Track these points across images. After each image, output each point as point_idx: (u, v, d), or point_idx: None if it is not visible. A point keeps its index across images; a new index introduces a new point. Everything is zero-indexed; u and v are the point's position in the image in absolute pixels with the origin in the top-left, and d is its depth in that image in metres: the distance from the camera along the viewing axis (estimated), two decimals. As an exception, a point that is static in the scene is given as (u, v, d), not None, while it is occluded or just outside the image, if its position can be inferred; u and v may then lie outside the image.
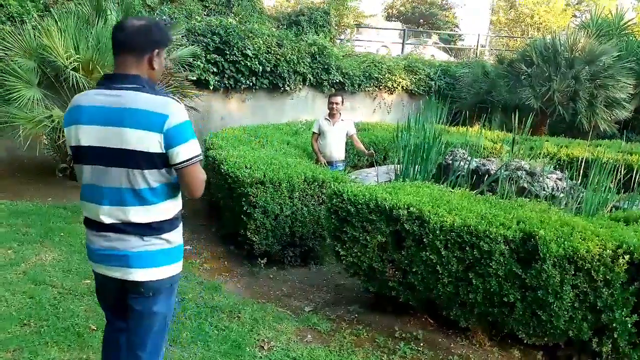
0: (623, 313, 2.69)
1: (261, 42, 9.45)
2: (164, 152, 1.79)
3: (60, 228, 4.76)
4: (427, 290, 3.24)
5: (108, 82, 1.85)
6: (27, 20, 6.31)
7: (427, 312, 3.51)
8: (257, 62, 9.42)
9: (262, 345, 3.13)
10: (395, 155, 6.23)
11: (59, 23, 5.84)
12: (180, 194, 1.98)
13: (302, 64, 10.20)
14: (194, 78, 8.50)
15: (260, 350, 3.07)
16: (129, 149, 1.77)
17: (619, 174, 5.09)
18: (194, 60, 8.52)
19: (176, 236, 1.97)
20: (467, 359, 3.08)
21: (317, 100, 10.76)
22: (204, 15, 10.39)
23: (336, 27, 13.45)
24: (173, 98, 1.85)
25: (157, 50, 1.88)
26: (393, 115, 11.81)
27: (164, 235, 1.90)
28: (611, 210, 4.39)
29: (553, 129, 10.74)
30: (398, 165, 5.54)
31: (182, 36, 8.24)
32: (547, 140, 8.34)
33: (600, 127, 10.05)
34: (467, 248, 2.98)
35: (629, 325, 2.70)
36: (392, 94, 12.18)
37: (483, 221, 2.99)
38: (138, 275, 1.88)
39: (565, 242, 2.73)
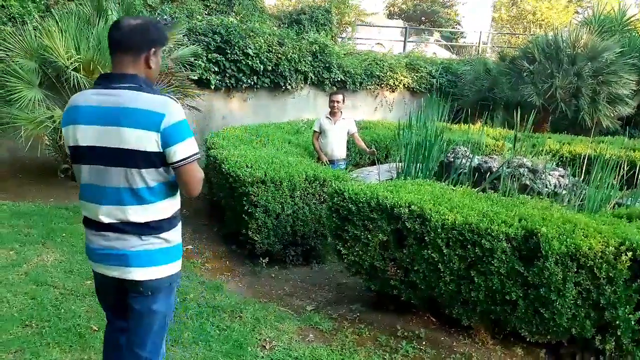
0: (626, 310, 2.67)
1: (262, 41, 9.44)
2: (162, 151, 1.79)
3: (62, 229, 4.76)
4: (429, 289, 3.23)
5: (105, 81, 1.85)
6: (28, 21, 6.31)
7: (429, 311, 3.50)
8: (258, 61, 9.41)
9: (264, 344, 3.12)
10: (397, 154, 6.21)
11: (59, 23, 5.84)
12: (178, 193, 1.98)
13: (304, 62, 10.18)
14: (196, 77, 8.50)
15: (262, 350, 3.07)
16: (126, 149, 1.77)
17: (621, 170, 5.07)
18: (195, 59, 8.51)
19: (175, 235, 1.97)
20: (470, 358, 3.06)
21: (318, 98, 10.74)
22: (205, 14, 10.38)
23: (337, 26, 13.43)
24: (170, 97, 1.84)
25: (153, 49, 1.87)
26: (395, 114, 11.79)
27: (162, 235, 1.90)
28: (614, 207, 4.37)
29: (555, 126, 10.69)
30: (400, 164, 5.53)
31: (183, 36, 8.23)
32: (549, 137, 8.30)
33: (602, 123, 9.99)
34: (469, 246, 2.97)
35: (632, 323, 2.69)
36: (393, 92, 12.16)
37: (485, 219, 2.98)
38: (137, 274, 1.88)
39: (568, 240, 2.71)
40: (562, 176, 5.26)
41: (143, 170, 1.80)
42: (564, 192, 4.91)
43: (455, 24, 32.95)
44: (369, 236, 3.37)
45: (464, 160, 5.56)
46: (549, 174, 5.17)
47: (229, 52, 9.12)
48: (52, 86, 5.88)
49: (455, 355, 3.07)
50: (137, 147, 1.76)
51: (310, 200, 4.58)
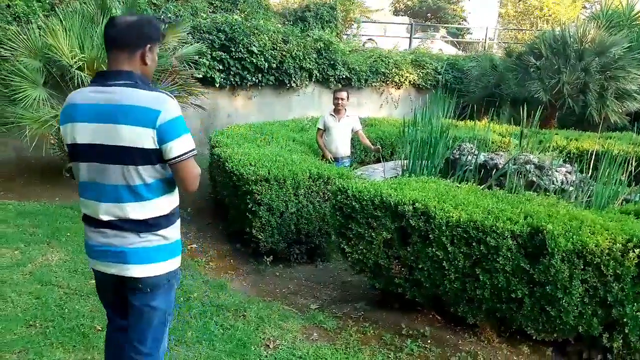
0: (634, 308, 2.63)
1: (267, 38, 9.42)
2: (158, 147, 1.79)
3: (67, 228, 4.77)
4: (433, 287, 3.20)
5: (101, 79, 1.85)
6: (33, 20, 6.33)
7: (434, 309, 3.47)
8: (262, 59, 9.39)
9: (268, 344, 3.10)
10: (402, 151, 6.18)
11: (64, 22, 5.83)
12: (176, 189, 1.98)
13: (308, 59, 10.16)
14: (200, 76, 8.49)
15: (265, 349, 3.05)
16: (123, 146, 1.77)
17: (629, 166, 5.01)
18: (199, 57, 8.50)
19: (173, 232, 1.97)
20: (475, 356, 3.03)
21: (323, 96, 10.72)
22: (210, 12, 10.37)
23: (342, 23, 13.38)
24: (166, 93, 1.84)
25: (149, 46, 1.87)
26: (400, 110, 11.74)
27: (160, 232, 1.90)
28: (622, 203, 4.31)
29: (563, 122, 10.61)
30: (405, 161, 5.50)
31: (188, 34, 8.21)
32: (556, 134, 8.22)
33: (610, 119, 9.89)
34: (474, 243, 2.94)
35: (640, 321, 2.65)
36: (399, 88, 12.11)
37: (490, 216, 2.95)
38: (135, 271, 1.88)
39: (574, 237, 2.68)
40: (569, 172, 5.21)
41: (140, 167, 1.80)
42: (571, 188, 4.86)
43: (461, 20, 32.77)
44: (372, 234, 3.34)
45: (469, 157, 5.52)
46: (556, 171, 5.12)
47: (233, 50, 9.11)
48: (57, 85, 5.88)
49: (461, 354, 3.04)
50: (133, 144, 1.77)
51: (314, 198, 4.56)
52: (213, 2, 11.37)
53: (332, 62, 10.61)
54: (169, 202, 1.93)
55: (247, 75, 9.43)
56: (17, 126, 5.56)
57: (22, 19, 6.64)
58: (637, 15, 12.17)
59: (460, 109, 10.25)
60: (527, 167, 5.12)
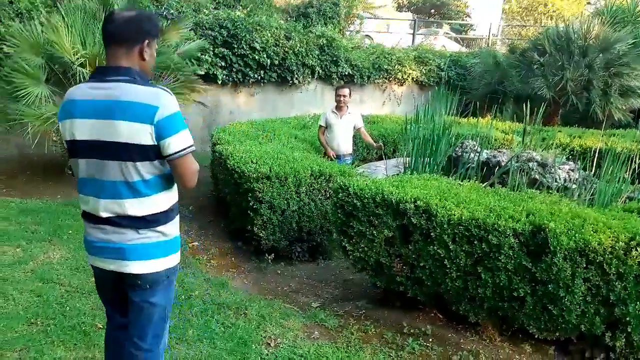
0: (637, 307, 2.62)
1: (269, 34, 9.39)
2: (156, 143, 1.79)
3: (69, 225, 4.77)
4: (435, 285, 3.19)
5: (100, 74, 1.85)
6: (35, 17, 6.32)
7: (436, 307, 3.45)
8: (265, 56, 9.37)
9: (269, 342, 3.10)
10: (404, 148, 6.15)
11: (66, 19, 5.83)
12: (175, 186, 1.98)
13: (311, 56, 10.13)
14: (202, 72, 8.49)
15: (266, 347, 3.05)
16: (121, 142, 1.77)
17: (633, 164, 4.98)
18: (201, 54, 8.49)
19: (172, 228, 1.97)
20: (477, 355, 3.02)
21: (326, 93, 10.69)
22: (212, 9, 10.34)
23: (345, 19, 13.33)
24: (164, 89, 1.83)
25: (147, 41, 1.86)
26: (403, 107, 11.70)
27: (159, 228, 1.90)
28: (625, 201, 4.29)
29: (566, 119, 10.55)
30: (407, 158, 5.47)
31: (190, 30, 8.20)
32: (559, 131, 8.18)
33: (614, 116, 9.83)
34: (476, 242, 2.92)
35: (643, 320, 2.63)
36: (402, 85, 12.06)
37: (492, 214, 2.93)
38: (134, 267, 1.88)
39: (577, 235, 2.66)
40: (572, 170, 5.18)
41: (138, 164, 1.80)
42: (574, 186, 4.83)
43: (464, 16, 32.63)
44: (374, 232, 3.33)
45: (472, 155, 5.49)
46: (559, 168, 5.09)
47: (235, 46, 9.09)
48: (59, 82, 5.88)
49: (463, 352, 3.03)
50: (131, 141, 1.76)
51: (316, 196, 4.55)
52: (216, -2, 11.35)
53: (334, 59, 10.58)
54: (167, 199, 1.93)
55: (250, 72, 9.42)
56: (19, 123, 5.57)
57: (24, 16, 6.63)
58: (641, 11, 12.08)
59: (463, 106, 10.19)
60: (530, 164, 5.09)
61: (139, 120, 1.75)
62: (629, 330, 2.67)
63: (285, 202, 4.43)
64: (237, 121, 7.60)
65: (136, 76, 1.82)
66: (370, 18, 17.64)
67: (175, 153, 1.81)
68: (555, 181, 4.91)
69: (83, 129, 1.81)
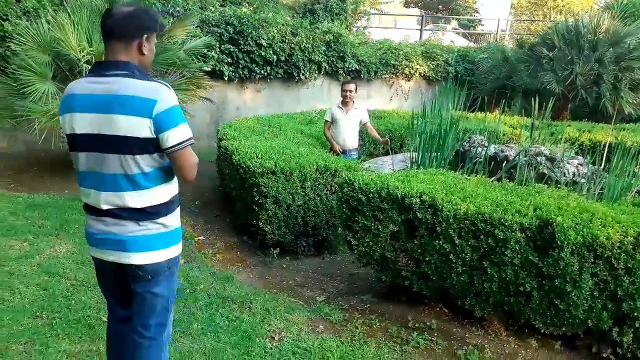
0: (645, 302, 2.58)
1: (275, 31, 9.37)
2: (155, 136, 1.80)
3: (76, 220, 4.79)
4: (440, 280, 3.17)
5: (99, 69, 1.86)
6: (42, 15, 6.35)
7: (442, 302, 3.43)
8: (271, 52, 9.36)
9: (273, 335, 3.09)
10: (411, 143, 6.11)
11: (72, 16, 5.85)
12: (175, 178, 1.99)
13: (317, 52, 10.10)
14: (209, 69, 8.49)
15: (271, 341, 3.04)
16: (120, 135, 1.78)
17: (643, 157, 4.90)
18: (208, 51, 8.49)
19: (173, 220, 1.99)
20: (483, 349, 3.00)
21: (332, 88, 10.66)
22: (219, 6, 10.34)
23: (352, 15, 13.27)
24: (163, 83, 1.84)
25: (146, 36, 1.88)
26: (411, 102, 11.64)
27: (159, 220, 1.92)
28: (635, 195, 4.23)
29: (575, 113, 10.45)
30: (414, 153, 5.44)
31: (196, 27, 8.20)
32: (568, 125, 8.10)
33: (625, 110, 9.72)
34: (482, 236, 2.89)
35: (652, 315, 2.59)
36: (409, 80, 12.00)
37: (498, 208, 2.90)
38: (135, 259, 1.90)
39: (584, 229, 2.62)
40: (581, 164, 5.12)
41: (137, 157, 1.82)
42: (583, 180, 4.78)
43: (473, 11, 32.38)
44: (379, 227, 3.31)
45: (479, 149, 5.45)
46: (568, 163, 5.03)
47: (242, 42, 9.08)
48: (65, 79, 5.90)
49: (468, 347, 3.01)
50: (130, 134, 1.78)
51: (321, 190, 4.54)
52: (222, -5, 11.33)
53: (341, 55, 10.54)
54: (167, 191, 1.95)
55: (256, 68, 9.41)
56: (26, 120, 5.60)
57: (31, 14, 6.66)
58: (652, 5, 11.91)
59: (471, 100, 10.12)
60: (539, 159, 5.04)
61: (138, 114, 1.76)
62: (637, 325, 2.64)
63: (291, 196, 4.43)
64: (243, 117, 7.59)
65: (135, 70, 1.83)
66: (378, 14, 17.57)
67: (174, 146, 1.83)
68: (564, 175, 4.86)
69: (83, 123, 1.83)
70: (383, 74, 11.41)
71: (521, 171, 4.70)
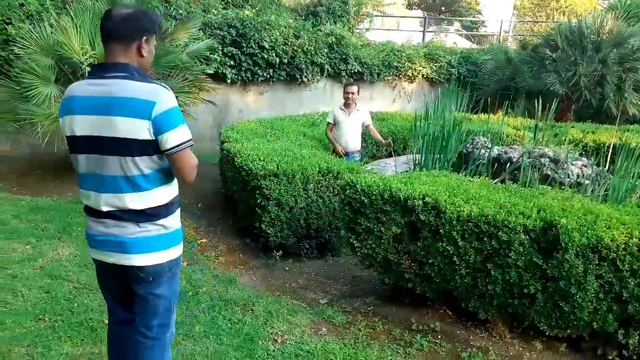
0: (651, 304, 2.55)
1: (278, 33, 9.38)
2: (154, 138, 1.80)
3: (78, 223, 4.79)
4: (444, 282, 3.15)
5: (99, 71, 1.87)
6: (45, 18, 6.37)
7: (445, 304, 3.41)
8: (274, 54, 9.36)
9: (276, 338, 3.08)
10: (414, 145, 6.10)
11: (75, 20, 5.87)
12: (175, 180, 1.99)
13: (320, 54, 10.10)
14: (211, 71, 8.50)
15: (273, 343, 3.03)
16: (119, 137, 1.79)
17: (648, 159, 4.86)
18: (210, 53, 8.51)
19: (173, 221, 1.99)
20: (487, 352, 2.97)
21: (335, 90, 10.65)
22: (221, 9, 10.36)
23: (355, 17, 13.28)
24: (162, 85, 1.84)
25: (145, 38, 1.88)
26: (414, 104, 11.62)
27: (159, 221, 1.92)
28: (640, 197, 4.20)
29: (579, 114, 10.40)
30: (417, 155, 5.42)
31: (199, 30, 8.22)
32: (572, 127, 8.06)
33: (629, 111, 9.68)
34: (485, 238, 2.88)
35: (658, 317, 2.57)
36: (412, 82, 11.99)
37: (502, 210, 2.88)
38: (135, 260, 1.91)
39: (589, 231, 2.61)
40: (586, 166, 5.09)
41: (137, 158, 1.82)
42: (588, 182, 4.75)
43: (475, 13, 32.35)
44: (382, 229, 3.29)
45: (482, 151, 5.42)
46: (572, 164, 5.00)
47: (244, 45, 9.10)
48: (68, 82, 5.88)
49: (472, 349, 2.99)
50: (129, 136, 1.78)
51: (324, 193, 4.53)
52: (225, -2, 11.36)
53: (343, 57, 10.53)
54: (167, 192, 1.95)
55: (259, 70, 9.42)
56: (29, 123, 5.61)
57: (34, 18, 6.68)
58: (656, 6, 11.86)
59: (474, 102, 10.11)
60: (542, 160, 5.01)
61: (137, 115, 1.76)
62: (643, 327, 2.62)
63: (293, 199, 4.42)
64: (245, 119, 7.59)
65: (134, 72, 1.83)
66: (380, 16, 17.57)
67: (173, 148, 1.83)
68: (568, 177, 4.83)
69: (82, 125, 1.83)
70: (386, 75, 11.39)
71: (525, 173, 4.67)
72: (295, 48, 9.65)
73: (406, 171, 4.87)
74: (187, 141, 1.86)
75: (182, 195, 2.08)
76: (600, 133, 7.49)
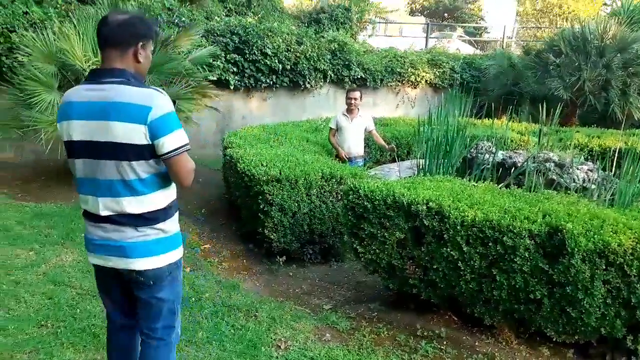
0: (660, 309, 2.52)
1: (280, 40, 9.41)
2: (150, 143, 1.81)
3: (82, 229, 4.70)
4: (449, 287, 3.12)
5: (96, 77, 1.87)
6: (48, 26, 6.39)
7: (451, 310, 3.38)
8: (276, 61, 9.38)
9: (279, 344, 3.05)
10: (418, 150, 6.08)
11: (77, 27, 5.89)
12: (172, 184, 1.99)
13: (323, 60, 10.11)
14: (214, 78, 8.52)
15: (276, 350, 3.00)
16: (116, 142, 1.80)
17: (654, 163, 4.82)
18: (213, 60, 8.53)
19: (171, 225, 1.99)
20: (493, 358, 2.94)
21: (338, 96, 10.66)
22: (224, 16, 10.40)
23: (357, 24, 13.31)
24: (157, 90, 1.85)
25: (141, 43, 1.88)
26: (417, 110, 11.62)
27: (158, 225, 1.92)
28: (646, 201, 4.16)
29: (584, 119, 10.37)
30: (421, 160, 5.40)
31: (202, 37, 8.24)
32: (577, 131, 8.03)
33: (634, 116, 9.65)
34: (490, 243, 2.85)
35: (667, 323, 2.53)
36: (415, 88, 11.99)
37: (506, 215, 2.85)
38: (135, 264, 1.91)
39: (595, 236, 2.58)
40: (591, 170, 5.05)
41: (134, 163, 1.82)
42: (593, 186, 4.71)
43: (478, 19, 32.41)
44: (385, 234, 3.27)
45: (487, 156, 5.39)
46: (577, 169, 4.97)
47: (247, 52, 9.12)
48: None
49: (478, 356, 2.95)
50: (126, 141, 1.79)
51: (327, 198, 4.50)
52: (227, 5, 11.41)
53: (346, 63, 10.55)
54: (165, 196, 1.95)
55: (262, 77, 9.43)
56: (33, 130, 5.63)
57: (38, 25, 6.71)
58: (659, 11, 11.84)
59: (477, 107, 10.08)
60: (547, 165, 4.98)
61: (133, 120, 1.77)
62: (652, 333, 2.58)
63: (296, 204, 4.40)
64: (249, 125, 7.59)
65: (130, 78, 1.84)
66: (383, 22, 17.60)
67: (170, 152, 1.83)
68: (574, 182, 4.80)
69: (79, 130, 1.84)
70: (389, 81, 11.40)
71: (530, 177, 4.64)
72: (298, 54, 9.66)
73: (410, 176, 4.85)
74: (183, 145, 1.86)
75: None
76: (606, 137, 7.46)
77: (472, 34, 24.74)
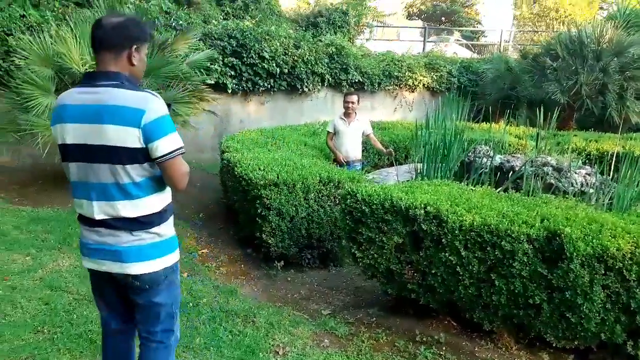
0: (659, 314, 2.51)
1: (278, 44, 9.40)
2: (144, 146, 1.80)
3: (79, 234, 4.73)
4: (447, 292, 3.11)
5: (90, 80, 1.86)
6: (45, 30, 6.38)
7: (450, 315, 3.37)
8: (274, 64, 9.37)
9: (277, 350, 3.04)
10: (416, 154, 6.08)
11: (74, 30, 5.88)
12: (168, 187, 1.98)
13: (320, 64, 10.11)
14: (212, 82, 8.50)
15: (275, 355, 2.99)
16: (110, 145, 1.79)
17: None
18: (211, 64, 8.51)
19: (167, 229, 1.98)
20: (492, 364, 2.93)
21: (336, 100, 10.65)
22: (221, 19, 10.40)
23: (355, 27, 13.32)
24: (151, 93, 1.84)
25: (135, 46, 1.87)
26: (415, 114, 11.63)
27: (153, 229, 1.91)
28: (644, 205, 4.16)
29: (582, 123, 10.40)
30: (419, 164, 5.40)
31: (199, 40, 8.23)
32: (575, 135, 8.04)
33: (632, 119, 9.67)
34: (488, 248, 2.84)
35: (666, 328, 2.52)
36: (413, 92, 12.00)
37: (505, 220, 2.85)
38: (131, 269, 1.89)
39: (594, 240, 2.57)
40: (589, 174, 5.05)
41: (128, 166, 1.82)
42: (592, 190, 4.71)
43: (475, 23, 32.52)
44: (383, 239, 3.26)
45: (485, 160, 5.39)
46: (575, 172, 4.97)
47: (245, 55, 9.11)
48: (69, 92, 5.91)
49: (477, 362, 2.94)
50: (120, 144, 1.78)
51: (325, 202, 4.49)
52: (225, 9, 11.41)
53: (344, 67, 10.55)
54: (160, 200, 1.94)
55: (259, 80, 9.42)
56: (30, 133, 5.59)
57: (35, 28, 6.70)
58: (655, 15, 11.89)
59: (475, 111, 10.11)
60: (545, 169, 4.98)
61: (127, 123, 1.76)
62: (652, 338, 2.57)
63: (294, 208, 4.39)
64: (246, 129, 7.59)
65: (124, 81, 1.83)
66: (380, 26, 17.64)
67: (164, 155, 1.82)
68: (572, 186, 4.80)
69: (73, 133, 1.83)
70: (386, 85, 11.41)
71: (528, 181, 4.64)
72: (295, 58, 9.66)
73: (408, 180, 4.84)
74: (178, 149, 1.85)
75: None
76: (604, 141, 7.47)
77: (469, 38, 24.83)
